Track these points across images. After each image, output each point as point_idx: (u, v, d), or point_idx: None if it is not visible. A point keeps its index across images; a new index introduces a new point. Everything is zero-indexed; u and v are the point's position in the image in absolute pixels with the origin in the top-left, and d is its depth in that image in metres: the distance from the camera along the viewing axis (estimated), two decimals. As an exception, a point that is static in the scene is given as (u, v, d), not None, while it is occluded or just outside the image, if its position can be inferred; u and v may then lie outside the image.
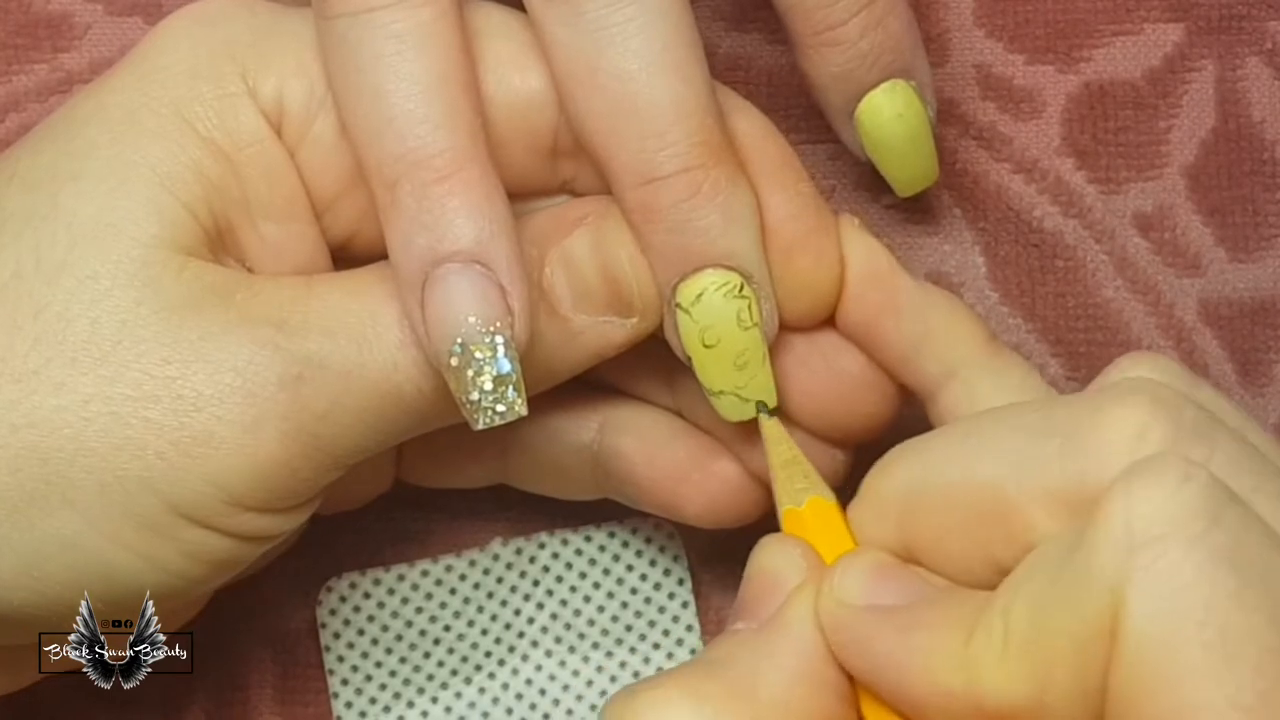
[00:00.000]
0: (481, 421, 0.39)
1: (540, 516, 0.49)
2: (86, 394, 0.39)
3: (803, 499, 0.40)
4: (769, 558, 0.39)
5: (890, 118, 0.44)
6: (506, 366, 0.39)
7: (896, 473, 0.38)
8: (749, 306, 0.41)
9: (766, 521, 0.42)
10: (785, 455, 0.41)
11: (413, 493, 0.48)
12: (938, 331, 0.42)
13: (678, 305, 0.41)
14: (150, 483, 0.39)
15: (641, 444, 0.45)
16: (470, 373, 0.39)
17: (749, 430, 0.43)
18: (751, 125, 0.42)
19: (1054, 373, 0.49)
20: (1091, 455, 0.35)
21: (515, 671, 0.48)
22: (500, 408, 0.39)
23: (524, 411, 0.39)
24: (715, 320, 0.41)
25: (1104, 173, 0.49)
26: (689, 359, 0.42)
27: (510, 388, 0.39)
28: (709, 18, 0.50)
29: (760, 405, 0.42)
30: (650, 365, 0.44)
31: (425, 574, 0.48)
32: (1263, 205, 0.49)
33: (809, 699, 0.36)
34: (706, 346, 0.41)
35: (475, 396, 0.39)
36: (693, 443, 0.45)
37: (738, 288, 0.41)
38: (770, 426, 0.42)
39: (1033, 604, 0.34)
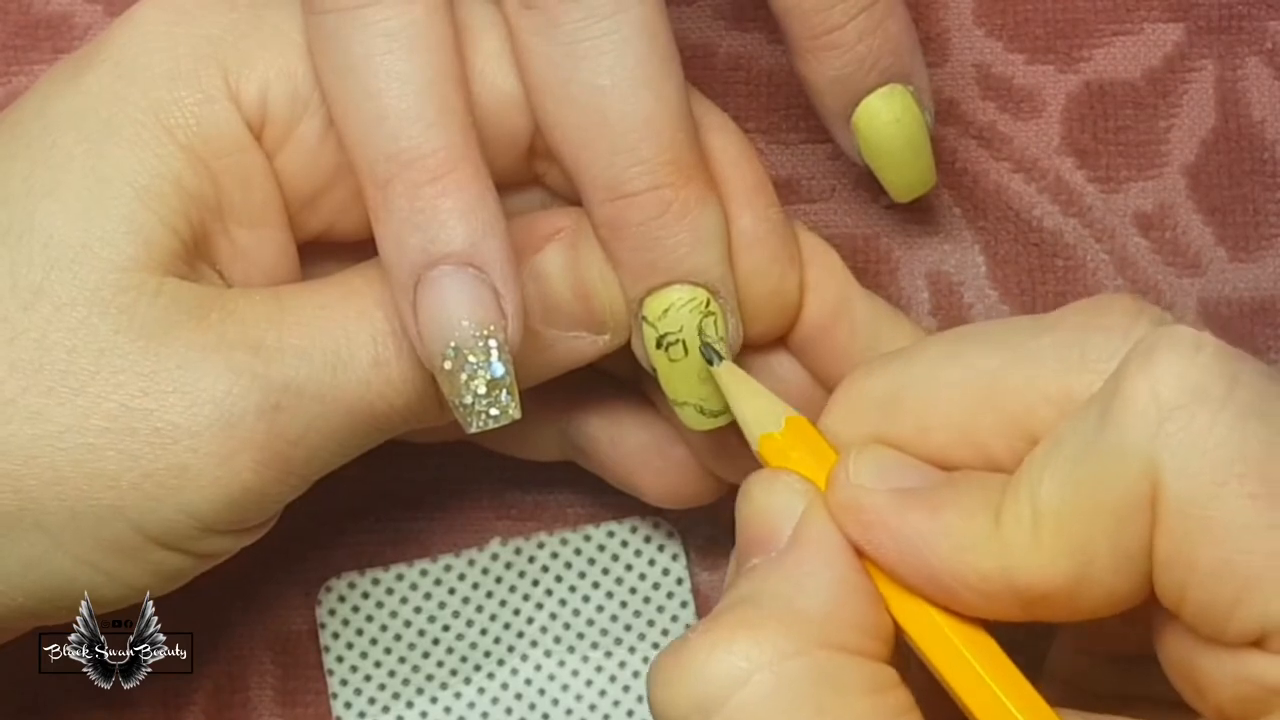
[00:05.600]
0: (475, 425, 0.39)
1: (539, 516, 0.49)
2: (62, 425, 0.39)
3: (779, 421, 0.40)
4: (766, 493, 0.38)
5: (888, 122, 0.44)
6: (500, 370, 0.39)
7: (877, 376, 0.38)
8: (715, 322, 0.41)
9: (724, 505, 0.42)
10: (748, 391, 0.41)
11: (413, 493, 0.48)
12: (885, 342, 0.42)
13: (644, 318, 0.41)
14: (122, 511, 0.39)
15: (606, 424, 0.45)
16: (464, 376, 0.39)
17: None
18: (727, 143, 0.42)
19: (1054, 372, 0.49)
20: (1090, 340, 0.36)
21: (515, 671, 0.48)
22: (494, 411, 0.39)
23: (518, 415, 0.39)
24: (681, 336, 0.41)
25: (1104, 172, 0.49)
26: (654, 370, 0.41)
27: (504, 391, 0.39)
28: (709, 17, 0.50)
29: (709, 353, 0.41)
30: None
31: (424, 573, 0.48)
32: (1263, 205, 0.49)
33: (851, 607, 0.36)
34: (672, 360, 0.41)
35: (469, 400, 0.39)
36: (655, 428, 0.45)
37: (704, 303, 0.41)
38: (725, 373, 0.41)
39: (1063, 482, 0.34)
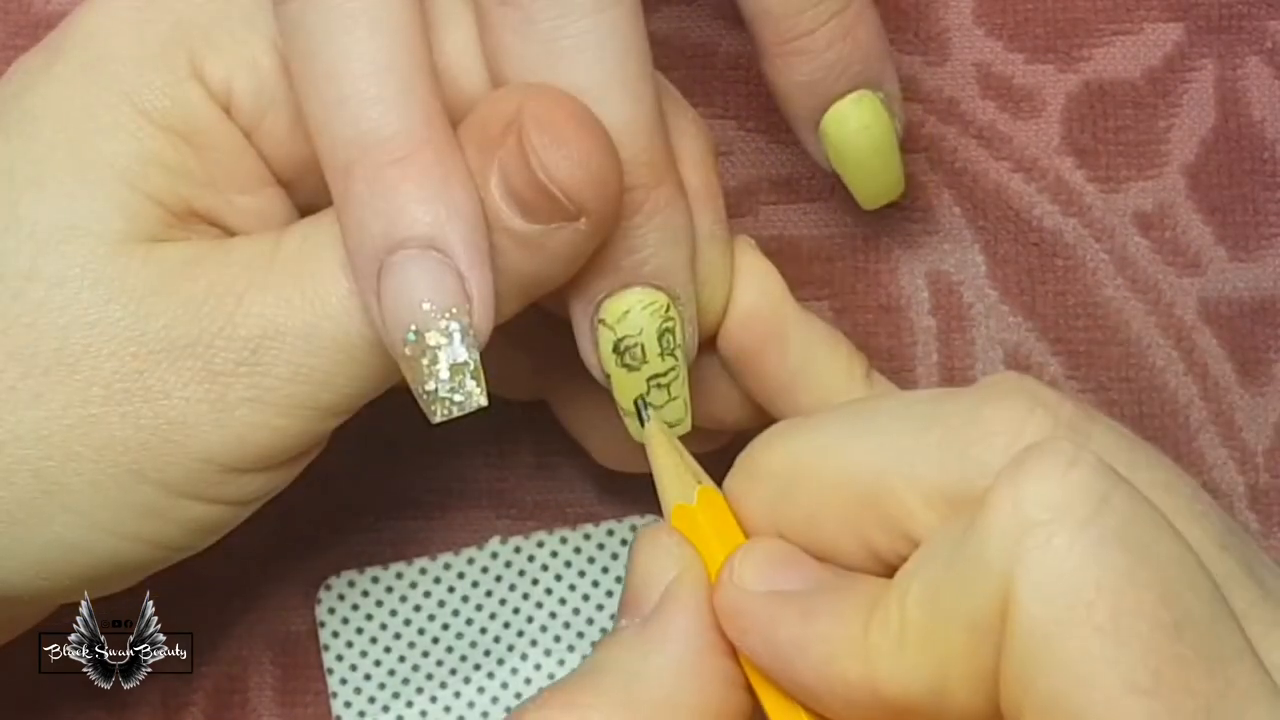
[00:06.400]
0: (439, 413, 0.38)
1: (539, 516, 0.49)
2: (64, 402, 0.39)
3: (692, 494, 0.39)
4: (646, 552, 0.38)
5: (856, 129, 0.43)
6: (463, 354, 0.38)
7: (775, 451, 0.38)
8: (673, 329, 0.40)
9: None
10: (672, 457, 0.41)
11: (413, 492, 0.49)
12: (819, 364, 0.42)
13: (601, 320, 0.40)
14: (141, 473, 0.39)
15: (565, 378, 0.44)
16: (425, 361, 0.38)
17: None
18: (681, 149, 0.41)
19: (1054, 372, 0.49)
20: (971, 447, 0.35)
21: (515, 671, 0.48)
22: (458, 397, 0.38)
23: (484, 402, 0.38)
24: (640, 340, 0.40)
25: (1104, 172, 0.49)
26: (607, 377, 0.41)
27: (468, 376, 0.38)
28: (709, 17, 0.50)
29: (640, 407, 0.41)
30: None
31: (424, 572, 0.48)
32: (1263, 204, 0.49)
33: (695, 693, 0.36)
34: (626, 366, 0.41)
35: (431, 386, 0.38)
36: (606, 391, 0.44)
37: (664, 308, 0.40)
38: (654, 430, 0.41)
39: (927, 592, 0.34)
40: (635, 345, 0.40)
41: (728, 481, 0.39)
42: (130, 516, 0.39)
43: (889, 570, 0.36)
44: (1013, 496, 0.32)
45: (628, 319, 0.40)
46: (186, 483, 0.39)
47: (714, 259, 0.42)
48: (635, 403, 0.41)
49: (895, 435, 0.36)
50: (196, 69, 0.40)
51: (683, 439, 0.42)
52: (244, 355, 0.39)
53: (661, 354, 0.41)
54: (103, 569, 0.40)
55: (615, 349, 0.40)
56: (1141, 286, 0.49)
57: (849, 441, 0.37)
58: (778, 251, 0.49)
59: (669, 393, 0.41)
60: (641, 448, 0.43)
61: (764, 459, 0.39)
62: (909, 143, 0.46)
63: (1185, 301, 0.49)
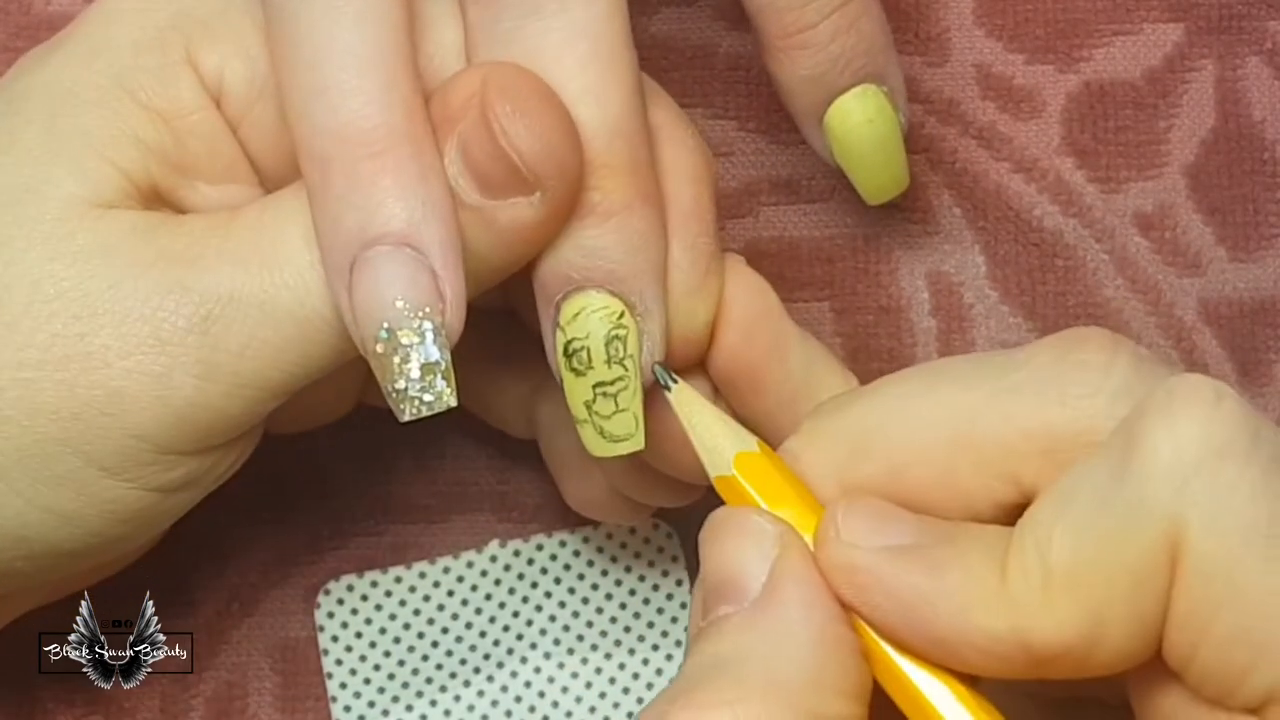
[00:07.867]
0: (408, 412, 0.38)
1: (539, 519, 0.49)
2: None
3: (752, 443, 0.38)
4: (736, 536, 0.37)
5: (860, 123, 0.43)
6: (435, 354, 0.37)
7: (845, 413, 0.37)
8: (624, 337, 0.39)
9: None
10: (715, 411, 0.39)
11: (412, 495, 0.48)
12: (821, 373, 0.42)
13: (557, 321, 0.39)
14: (69, 444, 0.38)
15: (550, 416, 0.44)
16: (397, 360, 0.37)
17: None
18: (677, 158, 0.41)
19: (1054, 373, 0.49)
20: (1066, 381, 0.35)
21: (514, 674, 0.48)
22: (428, 397, 0.38)
23: (454, 402, 0.38)
24: (586, 344, 0.39)
25: (1104, 172, 0.49)
26: (560, 380, 0.40)
27: (439, 376, 0.38)
28: (709, 17, 0.50)
29: (663, 375, 0.40)
30: None
31: (423, 576, 0.48)
32: (1263, 205, 0.49)
33: (835, 666, 0.35)
34: (575, 371, 0.40)
35: (402, 385, 0.38)
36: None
37: (616, 315, 0.39)
38: (681, 396, 0.39)
39: (1077, 538, 0.33)
40: (582, 349, 0.39)
41: (789, 442, 0.38)
42: (50, 489, 0.39)
43: (980, 517, 0.36)
44: (1170, 435, 0.32)
45: (577, 321, 0.39)
46: (113, 459, 0.39)
47: (696, 274, 0.40)
48: (655, 371, 0.40)
49: (980, 380, 0.36)
50: (191, 56, 0.40)
51: (657, 491, 0.41)
52: (194, 322, 0.38)
53: (608, 361, 0.39)
54: (14, 541, 0.39)
55: (565, 351, 0.40)
56: (1142, 287, 0.49)
57: (932, 391, 0.36)
58: (778, 252, 0.49)
59: (616, 403, 0.40)
60: (609, 496, 0.42)
61: (834, 419, 0.37)
62: (909, 144, 0.46)
63: (1185, 302, 0.49)
